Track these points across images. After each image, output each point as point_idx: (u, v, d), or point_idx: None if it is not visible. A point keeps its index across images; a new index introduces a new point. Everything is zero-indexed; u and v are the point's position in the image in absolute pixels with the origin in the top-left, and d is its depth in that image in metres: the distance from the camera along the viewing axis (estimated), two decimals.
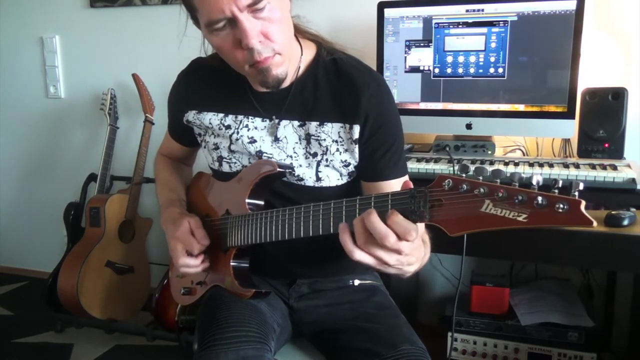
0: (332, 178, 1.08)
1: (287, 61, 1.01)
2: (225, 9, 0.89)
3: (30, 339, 2.20)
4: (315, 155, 1.07)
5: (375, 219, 0.74)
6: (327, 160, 1.07)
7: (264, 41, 0.94)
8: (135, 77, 2.25)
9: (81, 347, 2.13)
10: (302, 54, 1.08)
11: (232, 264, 1.05)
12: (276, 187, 1.09)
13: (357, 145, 1.05)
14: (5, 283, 2.75)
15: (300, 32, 1.10)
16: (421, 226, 0.80)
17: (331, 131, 1.05)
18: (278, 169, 1.03)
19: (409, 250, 0.77)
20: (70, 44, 2.53)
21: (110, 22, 2.43)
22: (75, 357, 2.07)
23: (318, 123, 1.06)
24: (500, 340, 1.69)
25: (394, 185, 1.06)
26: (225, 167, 1.14)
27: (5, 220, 2.86)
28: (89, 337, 2.19)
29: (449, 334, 1.68)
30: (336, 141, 1.06)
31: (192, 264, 1.08)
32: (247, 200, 1.04)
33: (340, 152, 1.06)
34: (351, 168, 1.09)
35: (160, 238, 2.41)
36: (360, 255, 0.77)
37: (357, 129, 1.04)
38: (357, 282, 1.22)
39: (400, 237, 0.74)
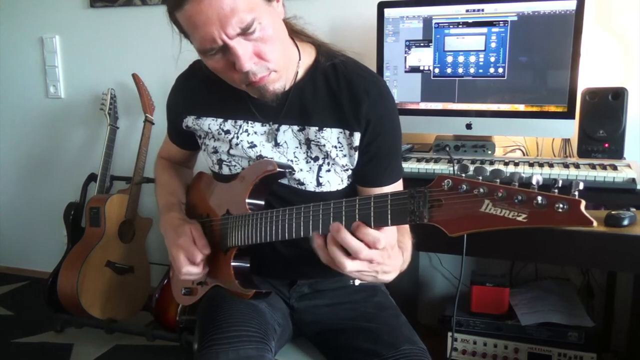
0: (334, 183, 1.08)
1: (284, 75, 1.00)
2: (216, 38, 0.88)
3: (30, 339, 2.20)
4: (316, 159, 1.07)
5: (346, 234, 0.79)
6: (329, 164, 1.07)
7: (258, 62, 0.93)
8: (135, 77, 2.25)
9: (81, 347, 2.13)
10: (300, 59, 1.06)
11: (232, 264, 1.05)
12: (277, 190, 1.09)
13: (356, 152, 1.05)
14: (5, 283, 2.75)
15: (296, 35, 1.09)
16: (394, 234, 0.84)
17: (330, 136, 1.05)
18: (278, 169, 1.03)
19: (380, 259, 0.81)
20: (70, 44, 2.53)
21: (110, 22, 2.42)
22: (75, 357, 2.07)
23: (317, 128, 1.05)
24: (500, 340, 1.69)
25: (388, 190, 1.05)
26: (225, 170, 1.14)
27: (5, 220, 2.86)
28: (89, 337, 2.19)
29: (449, 334, 1.68)
30: (336, 146, 1.05)
31: (195, 272, 1.06)
32: (248, 200, 1.04)
33: (340, 158, 1.06)
34: (350, 172, 1.09)
35: (160, 238, 2.39)
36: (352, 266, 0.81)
37: (357, 136, 1.04)
38: (357, 282, 1.21)
39: (370, 247, 0.79)
